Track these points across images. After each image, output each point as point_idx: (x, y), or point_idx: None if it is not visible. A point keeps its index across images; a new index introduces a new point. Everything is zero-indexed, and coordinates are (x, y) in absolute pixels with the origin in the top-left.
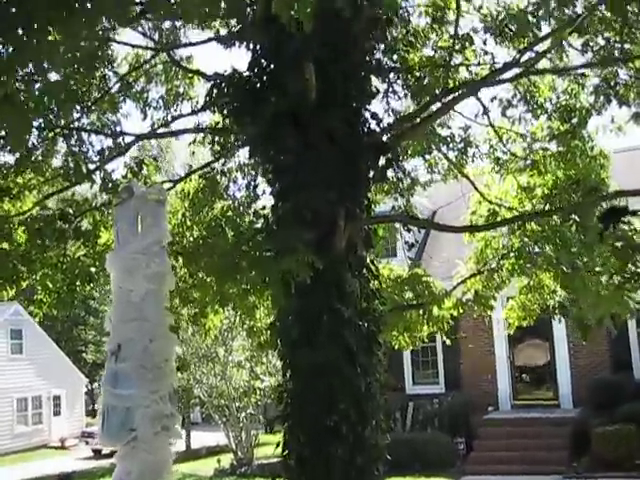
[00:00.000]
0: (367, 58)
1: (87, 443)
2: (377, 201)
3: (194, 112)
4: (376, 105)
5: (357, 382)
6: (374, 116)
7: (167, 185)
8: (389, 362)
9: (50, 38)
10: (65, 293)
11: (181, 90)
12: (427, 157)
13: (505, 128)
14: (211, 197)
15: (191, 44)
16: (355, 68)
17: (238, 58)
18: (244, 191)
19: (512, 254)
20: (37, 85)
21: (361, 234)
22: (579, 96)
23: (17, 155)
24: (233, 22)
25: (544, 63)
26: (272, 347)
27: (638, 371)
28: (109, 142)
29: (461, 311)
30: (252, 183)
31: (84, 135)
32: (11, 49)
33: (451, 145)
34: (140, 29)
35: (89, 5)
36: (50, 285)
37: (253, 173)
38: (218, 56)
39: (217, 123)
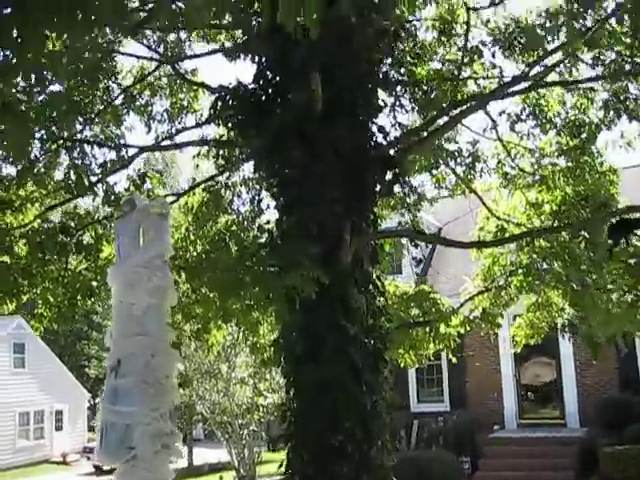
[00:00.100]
0: (374, 70)
1: (89, 459)
2: (383, 217)
3: (198, 125)
4: (383, 119)
5: (363, 400)
6: (381, 129)
7: (171, 199)
8: (394, 380)
9: (50, 47)
10: (66, 307)
11: (185, 103)
12: (434, 172)
13: (513, 143)
14: (215, 211)
15: (196, 56)
16: (362, 80)
17: (243, 71)
18: (248, 205)
19: (520, 271)
20: (40, 97)
21: (367, 249)
22: (588, 111)
23: (19, 167)
24: (238, 34)
25: (553, 77)
26: (276, 364)
27: None
28: (112, 155)
29: (468, 329)
30: (256, 197)
31: (87, 147)
32: (8, 53)
33: (459, 160)
34: (145, 42)
35: (86, 11)
36: (51, 299)
37: (257, 187)
38: (223, 69)
39: (221, 136)
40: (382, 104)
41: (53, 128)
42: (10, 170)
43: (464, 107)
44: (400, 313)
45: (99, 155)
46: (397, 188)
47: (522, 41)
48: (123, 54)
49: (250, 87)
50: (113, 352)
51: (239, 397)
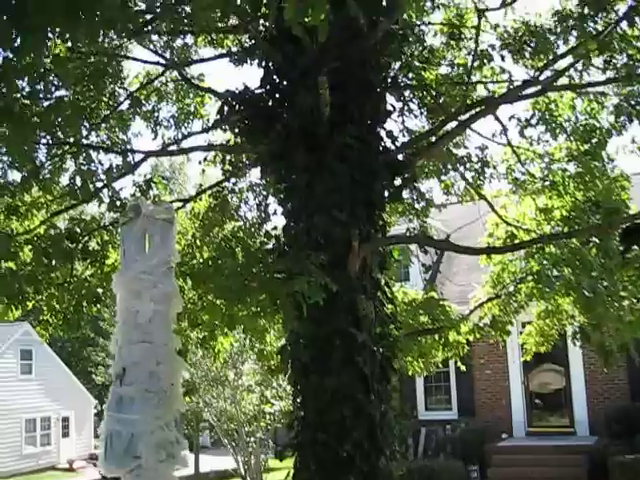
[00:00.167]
0: (383, 74)
1: (95, 465)
2: (391, 223)
3: (205, 130)
4: (391, 124)
5: (371, 410)
6: (389, 134)
7: (177, 205)
8: (401, 388)
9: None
10: (71, 314)
11: (192, 109)
12: (443, 178)
13: (523, 148)
14: (222, 217)
15: (202, 60)
16: (370, 84)
17: (250, 76)
18: (255, 211)
19: (530, 278)
20: (46, 103)
21: (376, 256)
22: (599, 116)
23: (24, 173)
24: (245, 38)
25: (563, 81)
26: (282, 372)
27: None
28: (118, 160)
29: (478, 336)
30: (263, 203)
31: (93, 153)
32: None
33: (468, 165)
34: (151, 47)
35: (90, 12)
36: (56, 306)
37: (264, 193)
38: (230, 74)
39: (228, 141)
40: (391, 109)
41: (59, 133)
42: (16, 176)
43: (474, 111)
44: (409, 321)
45: (105, 161)
46: (406, 194)
47: (532, 45)
48: (129, 58)
49: (257, 92)
50: (118, 360)
51: (246, 404)
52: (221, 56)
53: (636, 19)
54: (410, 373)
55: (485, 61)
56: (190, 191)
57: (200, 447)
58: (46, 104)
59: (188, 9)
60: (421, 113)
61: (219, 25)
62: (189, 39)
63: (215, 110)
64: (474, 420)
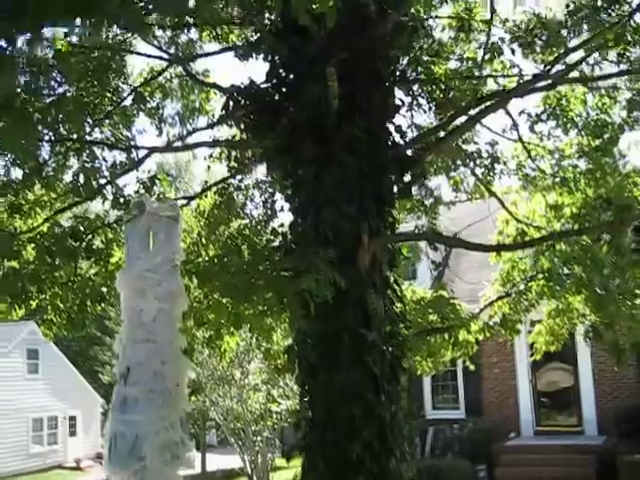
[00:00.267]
0: (391, 68)
1: (102, 464)
2: (399, 220)
3: (210, 126)
4: (399, 120)
5: (381, 410)
6: (398, 129)
7: (182, 202)
8: (409, 387)
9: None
10: (75, 313)
11: (197, 105)
12: (452, 174)
13: (534, 144)
14: (227, 215)
15: (207, 54)
16: (379, 74)
17: (255, 71)
18: (261, 209)
19: (541, 276)
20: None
21: (385, 252)
22: (611, 110)
23: (26, 169)
24: (250, 33)
25: (575, 75)
26: (289, 371)
27: None
28: (122, 157)
29: (488, 335)
30: (270, 200)
31: (96, 150)
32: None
33: (478, 161)
34: (156, 43)
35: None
36: (60, 305)
37: (271, 190)
38: (235, 70)
39: (233, 137)
40: (399, 103)
41: (62, 130)
42: (19, 174)
43: (484, 106)
44: (418, 319)
45: (109, 158)
46: (414, 190)
47: (543, 38)
48: (133, 52)
49: (262, 86)
50: (122, 359)
51: (252, 403)
52: (226, 50)
53: None
54: (418, 372)
55: (495, 54)
56: (196, 190)
57: (207, 446)
58: (48, 101)
59: (192, 1)
60: (430, 108)
61: (224, 17)
62: (194, 34)
63: (220, 106)
64: (482, 419)
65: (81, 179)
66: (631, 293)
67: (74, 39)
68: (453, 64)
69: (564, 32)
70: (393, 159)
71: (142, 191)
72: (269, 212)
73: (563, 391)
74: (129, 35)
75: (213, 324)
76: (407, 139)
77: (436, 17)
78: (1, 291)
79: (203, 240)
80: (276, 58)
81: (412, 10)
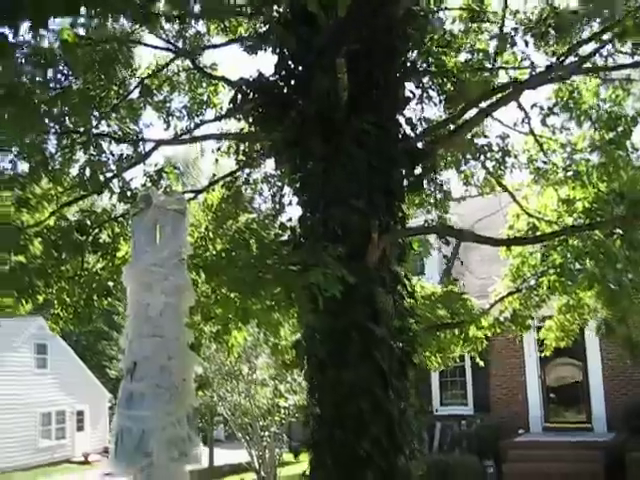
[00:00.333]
0: (402, 59)
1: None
2: (408, 215)
3: (217, 119)
4: (410, 112)
5: (390, 406)
6: (408, 121)
7: (189, 196)
8: (417, 383)
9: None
10: (82, 308)
11: (205, 98)
12: (462, 168)
13: (545, 137)
14: (235, 209)
15: (215, 46)
16: (389, 68)
17: (263, 64)
18: (269, 203)
19: (552, 271)
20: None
21: (395, 247)
22: (624, 102)
23: (32, 163)
24: (258, 25)
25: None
26: (297, 367)
27: None
28: (129, 150)
29: (498, 331)
30: (278, 194)
31: (103, 143)
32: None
33: (489, 155)
34: (164, 36)
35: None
36: (67, 299)
37: (279, 184)
38: (243, 63)
39: (242, 129)
40: (410, 95)
41: (68, 123)
42: (26, 167)
43: (495, 98)
44: (427, 315)
45: (116, 151)
46: (424, 184)
47: (556, 29)
48: (140, 43)
49: (271, 79)
50: (128, 354)
51: (260, 398)
52: (234, 41)
53: None
54: (428, 368)
55: (508, 46)
56: (204, 185)
57: (214, 441)
58: (54, 93)
59: None
60: (440, 101)
61: (232, 8)
62: (201, 27)
63: (228, 99)
64: (490, 415)
65: (87, 173)
66: None
67: (80, 31)
68: (464, 56)
69: (578, 22)
70: (403, 152)
71: (149, 184)
72: (277, 206)
73: (572, 387)
74: (136, 27)
75: (220, 319)
76: (417, 132)
77: (445, 9)
78: (8, 285)
79: (210, 234)
80: (285, 50)
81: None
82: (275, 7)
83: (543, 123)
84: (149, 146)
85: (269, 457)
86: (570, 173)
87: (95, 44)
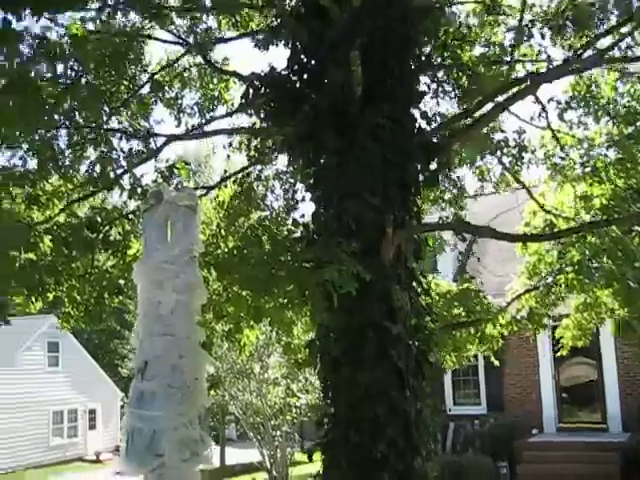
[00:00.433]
0: (417, 52)
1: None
2: (423, 211)
3: (229, 114)
4: (425, 107)
5: (406, 407)
6: (424, 115)
7: (201, 192)
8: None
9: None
10: (93, 306)
11: (216, 94)
12: (478, 164)
13: (563, 132)
14: (247, 207)
15: (227, 39)
16: (404, 59)
17: (275, 59)
18: (282, 200)
19: (569, 268)
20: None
21: (410, 243)
22: None
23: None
24: (270, 19)
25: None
26: (311, 366)
27: None
28: (139, 146)
29: (515, 329)
30: (291, 190)
31: (114, 140)
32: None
33: (505, 150)
34: (175, 31)
35: None
36: (77, 297)
37: (292, 181)
38: (255, 57)
39: (253, 124)
40: (426, 89)
41: (78, 118)
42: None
43: (512, 92)
44: (443, 313)
45: (126, 148)
46: (440, 180)
47: (574, 20)
48: (151, 38)
49: (283, 73)
50: (139, 353)
51: (272, 398)
52: (245, 35)
53: None
54: (443, 367)
55: (525, 38)
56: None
57: (226, 440)
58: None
59: None
60: (456, 95)
61: (244, 1)
62: (212, 22)
63: (239, 95)
64: (503, 415)
65: (97, 169)
66: None
67: (90, 26)
68: (479, 50)
69: (596, 14)
70: (419, 146)
71: (160, 180)
72: (290, 203)
73: (586, 386)
74: (146, 22)
75: (232, 317)
76: (433, 126)
77: (460, 3)
78: (18, 283)
79: (222, 232)
80: (297, 43)
81: None
82: (287, 0)
83: (560, 118)
84: (160, 142)
85: (281, 457)
86: (588, 169)
87: (105, 39)
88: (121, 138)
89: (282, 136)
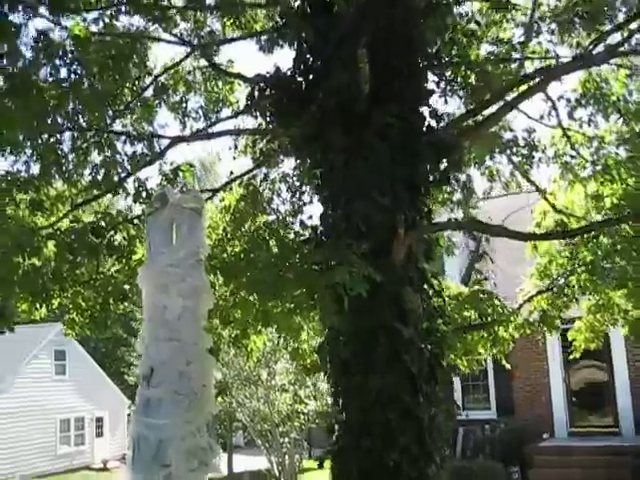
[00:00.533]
0: (425, 49)
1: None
2: (434, 211)
3: (234, 116)
4: (433, 104)
5: (419, 412)
6: (433, 114)
7: (206, 195)
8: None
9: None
10: (98, 312)
11: (221, 96)
12: (487, 164)
13: (572, 129)
14: (253, 210)
15: (231, 40)
16: (413, 59)
17: (280, 60)
18: (288, 203)
19: (582, 269)
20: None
21: (421, 244)
22: None
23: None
24: (275, 19)
25: (616, 60)
26: (319, 371)
27: None
28: (144, 149)
29: (528, 332)
30: (298, 191)
31: (117, 143)
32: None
33: (514, 149)
34: (178, 34)
35: None
36: (82, 303)
37: (298, 183)
38: (259, 60)
39: (259, 125)
40: (435, 87)
41: (81, 121)
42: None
43: (521, 89)
44: (455, 315)
45: (130, 151)
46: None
47: (584, 15)
48: (154, 39)
49: (288, 74)
50: (145, 359)
51: (279, 404)
52: (250, 36)
53: None
54: (456, 372)
55: (533, 34)
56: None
57: (234, 447)
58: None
59: None
60: (464, 94)
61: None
62: (216, 24)
63: (244, 96)
64: (513, 419)
65: (101, 173)
66: None
67: (93, 28)
68: (488, 48)
69: (605, 9)
70: (428, 145)
71: (165, 184)
72: (297, 205)
73: (597, 390)
74: (150, 25)
75: (239, 322)
76: (442, 124)
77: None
78: (22, 289)
79: (228, 236)
80: (303, 43)
81: None
82: None
83: (570, 116)
84: (164, 144)
85: (289, 464)
86: (598, 167)
87: (109, 41)
88: (125, 141)
89: (288, 137)
